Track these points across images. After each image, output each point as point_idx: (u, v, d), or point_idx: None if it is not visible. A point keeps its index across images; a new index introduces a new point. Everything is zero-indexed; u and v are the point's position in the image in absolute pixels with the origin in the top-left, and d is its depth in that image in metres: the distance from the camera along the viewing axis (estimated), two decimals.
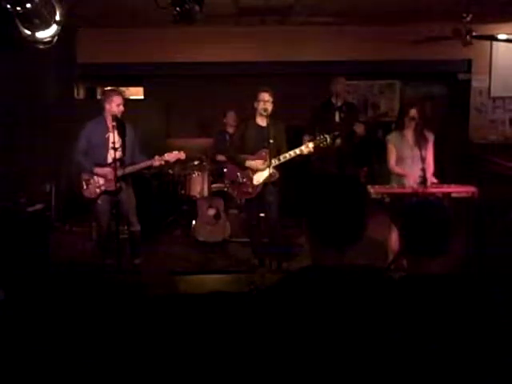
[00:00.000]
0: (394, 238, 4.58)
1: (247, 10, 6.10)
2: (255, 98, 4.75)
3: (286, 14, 6.39)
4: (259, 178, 4.76)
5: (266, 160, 4.67)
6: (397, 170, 4.64)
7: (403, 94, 8.08)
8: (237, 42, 7.13)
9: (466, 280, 1.70)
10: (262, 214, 5.00)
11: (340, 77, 6.05)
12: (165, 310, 1.85)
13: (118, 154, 4.46)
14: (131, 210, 4.74)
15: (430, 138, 4.68)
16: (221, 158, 6.42)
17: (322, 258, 1.62)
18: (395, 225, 4.49)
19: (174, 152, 4.70)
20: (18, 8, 3.26)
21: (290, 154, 4.65)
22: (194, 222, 5.87)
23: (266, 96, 4.69)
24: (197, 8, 4.08)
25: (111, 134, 4.45)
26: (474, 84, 7.64)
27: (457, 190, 4.34)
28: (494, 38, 6.71)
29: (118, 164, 4.44)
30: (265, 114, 4.65)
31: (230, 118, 6.61)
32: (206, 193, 6.07)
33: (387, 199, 4.31)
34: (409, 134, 4.64)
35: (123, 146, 4.58)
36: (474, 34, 5.81)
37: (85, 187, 4.63)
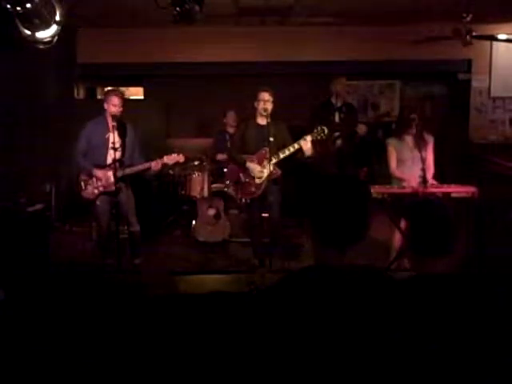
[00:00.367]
0: (396, 238, 4.58)
1: (247, 10, 6.10)
2: (255, 98, 4.75)
3: (286, 14, 6.38)
4: (261, 176, 4.75)
5: (266, 158, 4.67)
6: (397, 174, 4.65)
7: (403, 93, 8.08)
8: (237, 42, 7.13)
9: (467, 280, 1.70)
10: (264, 214, 4.99)
11: (340, 77, 6.06)
12: (165, 310, 1.84)
13: (118, 155, 4.46)
14: (130, 210, 4.74)
15: (430, 140, 4.68)
16: (221, 157, 6.42)
17: (324, 257, 1.62)
18: (395, 225, 4.50)
19: (173, 155, 4.69)
20: (18, 8, 3.26)
21: (289, 150, 4.63)
22: (194, 222, 5.87)
23: (265, 96, 4.68)
24: (197, 8, 4.07)
25: (111, 135, 4.46)
26: (474, 84, 7.63)
27: (457, 190, 4.34)
28: (494, 38, 6.71)
29: (117, 165, 4.44)
30: (265, 113, 4.64)
31: (230, 118, 6.61)
32: (206, 193, 6.06)
33: (388, 198, 4.32)
34: (409, 137, 4.65)
35: (123, 146, 4.59)
36: (474, 33, 5.81)
37: (83, 188, 4.64)
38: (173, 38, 7.07)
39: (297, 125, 5.58)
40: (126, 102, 4.74)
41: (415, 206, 1.98)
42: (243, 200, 5.00)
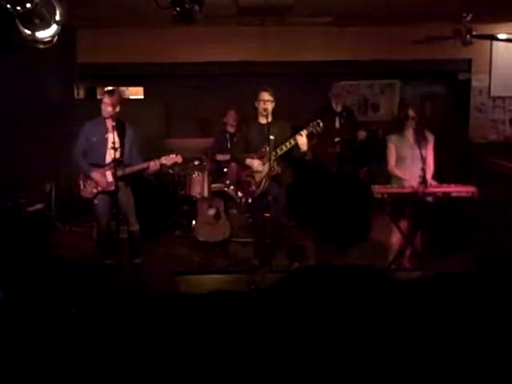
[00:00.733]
0: (396, 238, 4.57)
1: (247, 10, 6.09)
2: (256, 98, 4.75)
3: (286, 14, 6.38)
4: (260, 173, 4.75)
5: (266, 156, 4.67)
6: (396, 172, 4.63)
7: (403, 93, 8.07)
8: (237, 42, 7.14)
9: (467, 280, 1.70)
10: (266, 214, 4.99)
11: (339, 82, 6.13)
12: (165, 310, 1.84)
13: (118, 155, 4.47)
14: (130, 209, 4.74)
15: (431, 138, 4.67)
16: (221, 157, 6.43)
17: (325, 257, 1.62)
18: (395, 224, 4.50)
19: (171, 155, 4.69)
20: (18, 8, 3.25)
21: (286, 146, 4.61)
22: (194, 222, 5.87)
23: (266, 95, 4.68)
24: (197, 8, 4.06)
25: (110, 134, 4.46)
26: (474, 84, 7.64)
27: (457, 190, 4.34)
28: (494, 38, 6.70)
29: (116, 164, 4.44)
30: (265, 113, 4.64)
31: (230, 118, 6.61)
32: (206, 193, 6.06)
33: (388, 198, 4.32)
34: (409, 134, 4.64)
35: (122, 146, 4.59)
36: (474, 33, 5.80)
37: (82, 187, 4.64)
38: (173, 38, 7.07)
39: (297, 125, 5.58)
40: (126, 102, 4.74)
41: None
42: (243, 200, 4.99)
